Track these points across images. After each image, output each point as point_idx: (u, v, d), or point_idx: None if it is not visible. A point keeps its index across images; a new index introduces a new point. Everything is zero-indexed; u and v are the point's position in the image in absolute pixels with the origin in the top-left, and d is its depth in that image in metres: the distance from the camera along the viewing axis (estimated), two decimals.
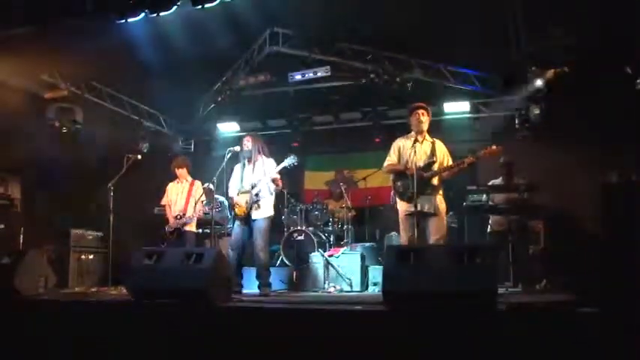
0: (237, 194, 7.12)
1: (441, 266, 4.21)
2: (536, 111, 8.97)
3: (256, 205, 6.96)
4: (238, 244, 7.03)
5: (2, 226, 9.11)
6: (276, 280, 8.45)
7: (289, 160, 7.09)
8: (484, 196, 8.14)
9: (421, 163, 6.24)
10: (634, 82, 7.34)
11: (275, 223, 9.58)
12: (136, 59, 8.32)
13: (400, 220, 6.43)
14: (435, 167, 6.27)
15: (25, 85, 8.96)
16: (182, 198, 8.08)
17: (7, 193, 9.85)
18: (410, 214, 6.25)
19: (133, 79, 9.40)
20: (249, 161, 7.19)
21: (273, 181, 7.03)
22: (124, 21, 7.03)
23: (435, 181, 6.26)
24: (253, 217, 6.98)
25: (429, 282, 4.13)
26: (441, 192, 6.34)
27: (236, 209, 7.10)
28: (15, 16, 7.06)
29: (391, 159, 6.55)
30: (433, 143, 6.40)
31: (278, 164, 7.13)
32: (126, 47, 7.85)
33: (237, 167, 7.28)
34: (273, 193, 7.15)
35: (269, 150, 7.38)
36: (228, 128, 11.65)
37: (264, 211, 7.01)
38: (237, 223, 7.15)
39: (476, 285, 4.04)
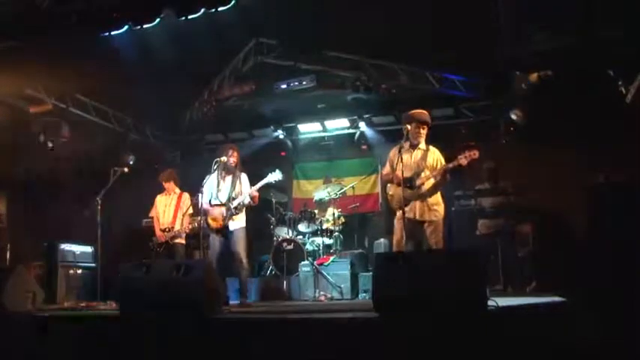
0: (210, 205, 7.09)
1: (431, 272, 4.21)
2: (521, 115, 9.02)
3: (234, 217, 6.95)
4: (217, 256, 6.99)
5: None
6: (266, 289, 8.47)
7: (274, 176, 7.08)
8: (472, 200, 8.20)
9: (410, 172, 6.23)
10: (617, 84, 7.40)
11: (264, 233, 9.60)
12: (120, 71, 8.30)
13: (395, 222, 6.41)
14: (424, 175, 6.24)
15: (10, 100, 8.90)
16: (170, 210, 8.05)
17: None
18: (402, 220, 6.26)
19: (118, 91, 9.37)
20: (227, 173, 7.16)
21: (252, 198, 7.04)
22: (107, 34, 7.02)
23: (425, 187, 6.24)
24: (231, 227, 6.95)
25: (419, 287, 4.13)
26: (434, 198, 6.28)
27: (210, 221, 7.03)
28: None
29: (386, 169, 6.59)
30: (426, 151, 6.37)
31: (262, 176, 7.11)
32: (110, 59, 7.83)
33: (213, 178, 7.15)
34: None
35: (255, 160, 7.36)
36: (214, 139, 11.63)
37: (240, 222, 7.02)
38: (212, 235, 7.08)
39: (465, 289, 4.04)
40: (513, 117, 9.16)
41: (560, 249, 7.56)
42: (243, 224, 7.06)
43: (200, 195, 6.99)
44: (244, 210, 7.09)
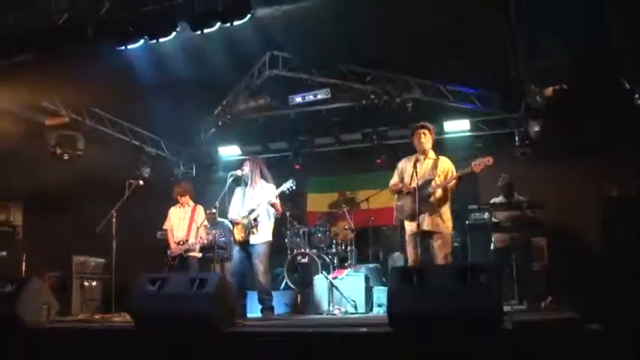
0: (235, 218, 7.12)
1: (446, 286, 4.18)
2: (536, 128, 8.99)
3: (254, 230, 6.94)
4: (238, 268, 7.00)
5: (4, 253, 9.10)
6: (280, 303, 8.42)
7: (287, 185, 7.08)
8: (486, 214, 8.15)
9: (420, 182, 6.21)
10: (632, 97, 7.36)
11: (278, 246, 9.58)
12: (136, 85, 8.36)
13: (406, 241, 6.41)
14: (434, 184, 6.21)
15: (26, 113, 8.98)
16: (184, 223, 8.05)
17: (9, 220, 9.85)
18: (412, 235, 6.24)
19: (134, 104, 9.43)
20: (248, 185, 7.18)
21: (273, 205, 7.03)
22: (123, 47, 7.08)
23: (435, 197, 6.22)
24: (252, 241, 6.95)
25: (434, 302, 4.10)
26: (444, 209, 6.25)
27: (235, 234, 7.08)
28: (16, 44, 7.11)
29: (393, 180, 6.59)
30: (436, 161, 6.36)
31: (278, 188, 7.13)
32: (126, 73, 7.89)
33: (238, 191, 7.26)
34: (272, 218, 7.13)
35: (270, 173, 7.35)
36: (229, 152, 11.68)
37: (262, 236, 7.00)
38: (236, 248, 7.12)
39: (481, 304, 4.01)
40: (528, 130, 9.13)
41: (576, 264, 7.48)
42: (268, 239, 7.04)
43: (215, 208, 7.04)
44: (270, 223, 7.09)
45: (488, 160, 6.02)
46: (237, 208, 7.17)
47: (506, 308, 4.13)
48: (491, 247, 8.04)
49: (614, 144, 8.11)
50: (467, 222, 8.81)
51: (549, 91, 8.28)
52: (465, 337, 3.82)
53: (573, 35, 7.00)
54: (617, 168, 7.92)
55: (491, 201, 8.16)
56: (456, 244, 8.81)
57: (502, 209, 7.92)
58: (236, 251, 7.12)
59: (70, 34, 6.98)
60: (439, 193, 6.21)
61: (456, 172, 6.27)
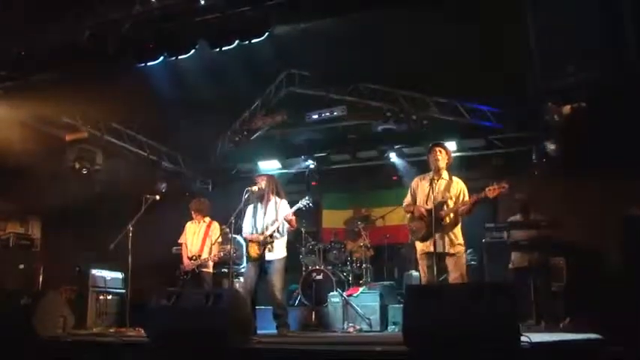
0: (250, 235, 7.12)
1: (462, 305, 4.15)
2: (554, 146, 8.93)
3: (270, 246, 6.94)
4: (251, 285, 6.97)
5: (22, 266, 9.17)
6: (295, 320, 8.39)
7: (303, 202, 7.06)
8: (504, 232, 8.09)
9: (434, 202, 6.17)
10: None
11: (293, 263, 9.56)
12: (154, 101, 8.44)
13: (418, 259, 6.37)
14: (449, 205, 6.16)
15: (47, 128, 9.10)
16: (198, 238, 8.05)
17: (27, 233, 9.96)
18: (425, 254, 6.19)
19: (152, 120, 9.51)
20: (261, 202, 7.19)
21: (288, 222, 7.03)
22: (143, 64, 7.16)
23: (448, 219, 6.16)
24: (267, 258, 6.93)
25: (451, 321, 4.07)
26: (456, 230, 6.19)
27: (250, 250, 7.06)
28: (38, 62, 7.22)
29: (407, 199, 6.53)
30: (449, 181, 6.30)
31: (294, 205, 7.12)
32: (145, 89, 7.98)
33: (251, 207, 7.25)
34: (285, 234, 7.12)
35: (284, 191, 7.35)
36: (246, 168, 11.71)
37: (278, 253, 6.98)
38: (249, 264, 7.10)
39: (498, 324, 3.97)
40: (546, 148, 9.07)
41: (595, 284, 7.40)
42: (283, 254, 7.02)
43: (231, 224, 7.04)
44: (284, 239, 7.07)
45: (504, 187, 5.86)
46: (250, 225, 7.17)
47: (523, 328, 4.07)
48: (510, 266, 7.97)
49: (634, 162, 8.03)
50: (483, 240, 8.75)
51: (567, 108, 8.23)
52: (481, 357, 3.78)
53: (592, 52, 6.97)
54: (637, 187, 7.84)
55: (509, 219, 8.11)
56: (472, 263, 8.76)
57: (520, 228, 7.87)
58: (248, 268, 7.09)
59: (91, 51, 7.07)
60: (451, 215, 6.17)
61: (469, 194, 6.17)
